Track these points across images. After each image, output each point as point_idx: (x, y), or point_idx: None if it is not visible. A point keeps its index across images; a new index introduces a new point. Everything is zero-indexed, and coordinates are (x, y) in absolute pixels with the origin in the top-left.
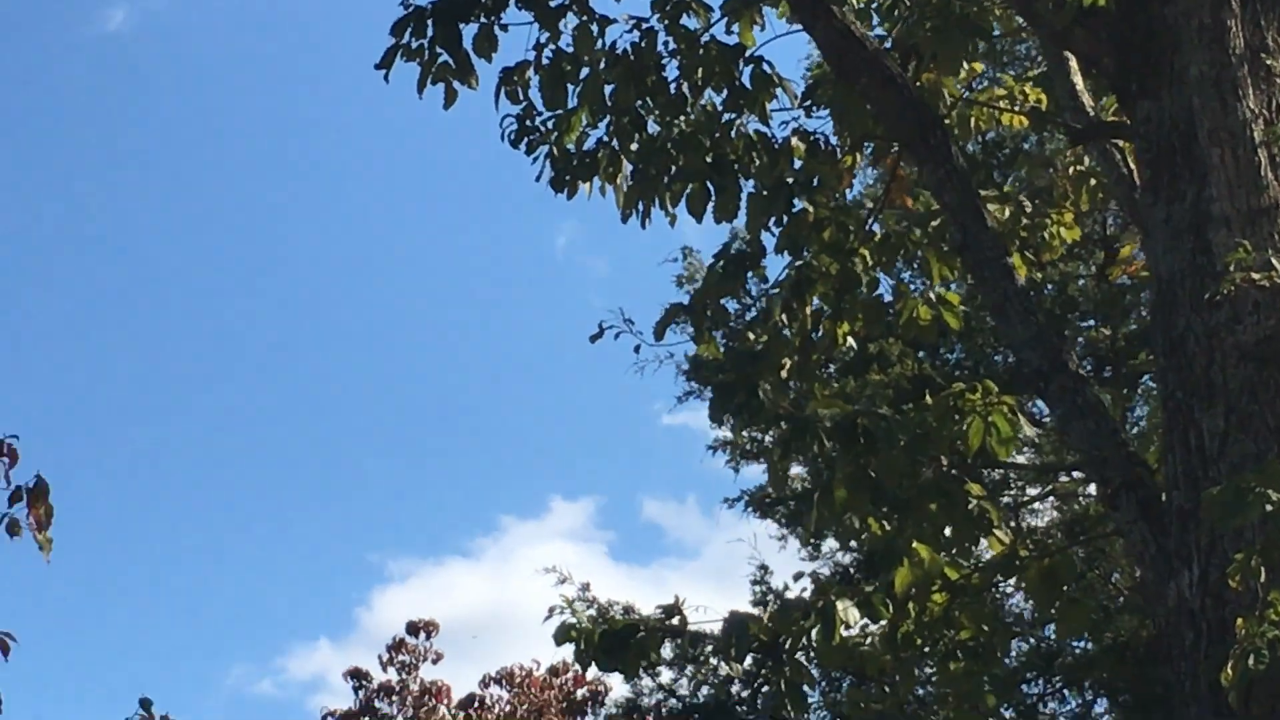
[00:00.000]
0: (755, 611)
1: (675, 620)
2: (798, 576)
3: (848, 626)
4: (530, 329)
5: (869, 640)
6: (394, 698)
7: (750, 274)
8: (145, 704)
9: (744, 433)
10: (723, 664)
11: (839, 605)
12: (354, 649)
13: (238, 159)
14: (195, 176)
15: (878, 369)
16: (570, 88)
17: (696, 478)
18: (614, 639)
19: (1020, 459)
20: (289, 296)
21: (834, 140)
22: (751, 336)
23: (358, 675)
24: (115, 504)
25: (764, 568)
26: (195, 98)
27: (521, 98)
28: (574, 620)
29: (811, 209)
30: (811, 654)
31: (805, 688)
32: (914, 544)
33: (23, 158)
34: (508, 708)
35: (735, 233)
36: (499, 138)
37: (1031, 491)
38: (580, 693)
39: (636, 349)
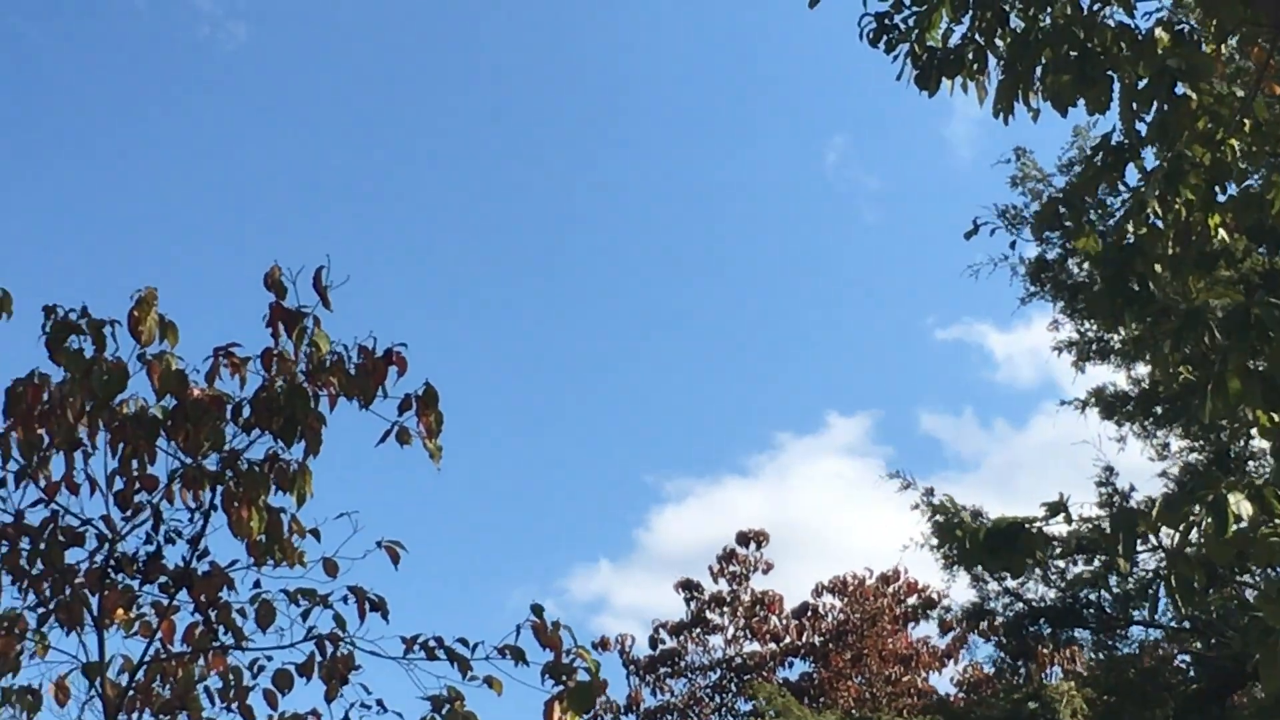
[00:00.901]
0: (1102, 513)
1: (1060, 518)
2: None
3: (1238, 520)
4: (803, 245)
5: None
6: (725, 608)
7: (1130, 165)
8: (537, 609)
9: (1093, 331)
10: (1070, 566)
11: (1231, 498)
12: (634, 570)
13: (534, 82)
14: (492, 101)
15: (1224, 264)
16: None
17: (972, 390)
18: (1000, 537)
19: None
20: (566, 217)
21: (1198, 30)
22: (1130, 229)
23: (689, 586)
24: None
25: (1109, 469)
26: (461, 29)
27: None
28: (954, 517)
29: (1195, 96)
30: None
31: (1194, 583)
32: None
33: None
34: (840, 615)
35: (1078, 131)
36: (858, 38)
37: None
38: (911, 600)
39: (1012, 245)
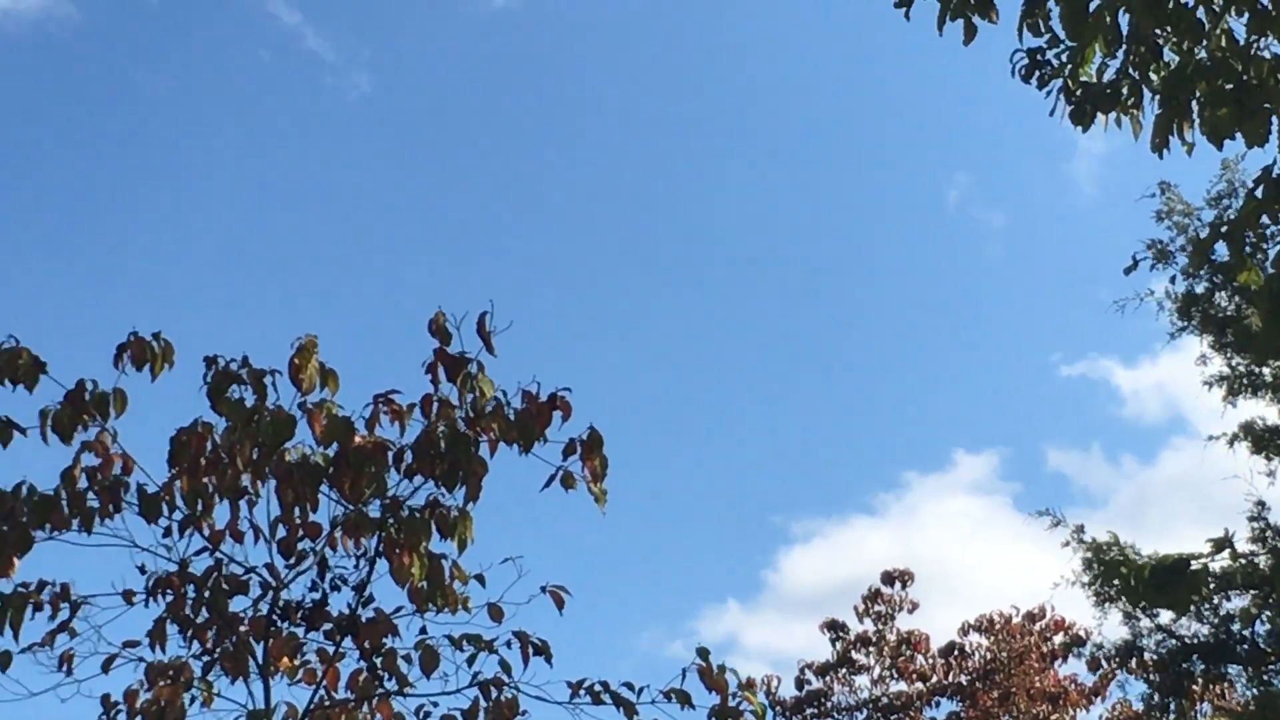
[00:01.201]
0: (1256, 548)
1: (1225, 554)
2: None
3: None
4: (927, 282)
5: None
6: (871, 648)
7: None
8: (703, 653)
9: (1244, 365)
10: (1222, 602)
11: None
12: (763, 610)
13: (642, 115)
14: (607, 145)
15: None
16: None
17: (1099, 426)
18: (1165, 573)
19: None
20: (689, 253)
21: None
22: None
23: (834, 627)
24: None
25: (1261, 504)
26: (589, 73)
27: (1043, 30)
28: (1116, 554)
29: None
30: None
31: None
32: None
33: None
34: (987, 654)
35: (1227, 165)
36: (1009, 74)
37: None
38: (1058, 638)
39: (1172, 280)
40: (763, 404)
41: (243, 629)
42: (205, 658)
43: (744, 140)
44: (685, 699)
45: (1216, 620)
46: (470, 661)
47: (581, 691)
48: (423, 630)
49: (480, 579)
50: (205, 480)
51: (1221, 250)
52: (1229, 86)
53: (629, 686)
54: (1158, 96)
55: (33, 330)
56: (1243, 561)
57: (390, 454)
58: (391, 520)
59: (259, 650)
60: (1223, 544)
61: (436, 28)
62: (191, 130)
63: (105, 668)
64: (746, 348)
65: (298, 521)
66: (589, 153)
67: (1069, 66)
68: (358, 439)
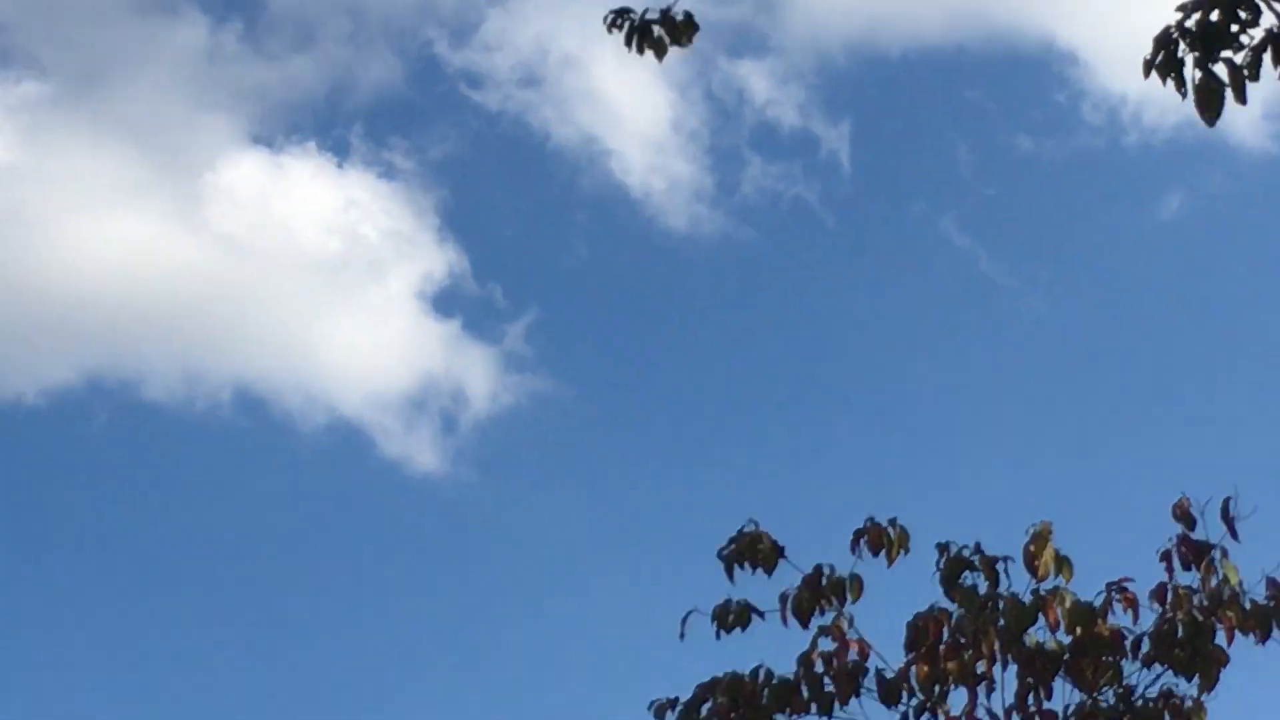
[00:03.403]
0: None
1: None
2: None
3: None
4: None
5: None
6: None
7: None
8: None
9: None
10: None
11: None
12: None
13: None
14: None
15: None
16: None
17: None
18: None
19: None
20: None
21: None
22: None
23: None
24: None
25: None
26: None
27: None
28: None
29: None
30: None
31: None
32: None
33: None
34: None
35: None
36: None
37: None
38: None
39: None
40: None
41: None
42: None
43: None
44: None
45: None
46: None
47: None
48: None
49: None
50: (943, 666)
51: None
52: None
53: None
54: None
55: (771, 515)
56: None
57: (1128, 642)
58: (1124, 710)
59: None
60: None
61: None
62: (881, 333)
63: None
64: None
65: (1032, 709)
66: None
67: None
68: (1100, 627)
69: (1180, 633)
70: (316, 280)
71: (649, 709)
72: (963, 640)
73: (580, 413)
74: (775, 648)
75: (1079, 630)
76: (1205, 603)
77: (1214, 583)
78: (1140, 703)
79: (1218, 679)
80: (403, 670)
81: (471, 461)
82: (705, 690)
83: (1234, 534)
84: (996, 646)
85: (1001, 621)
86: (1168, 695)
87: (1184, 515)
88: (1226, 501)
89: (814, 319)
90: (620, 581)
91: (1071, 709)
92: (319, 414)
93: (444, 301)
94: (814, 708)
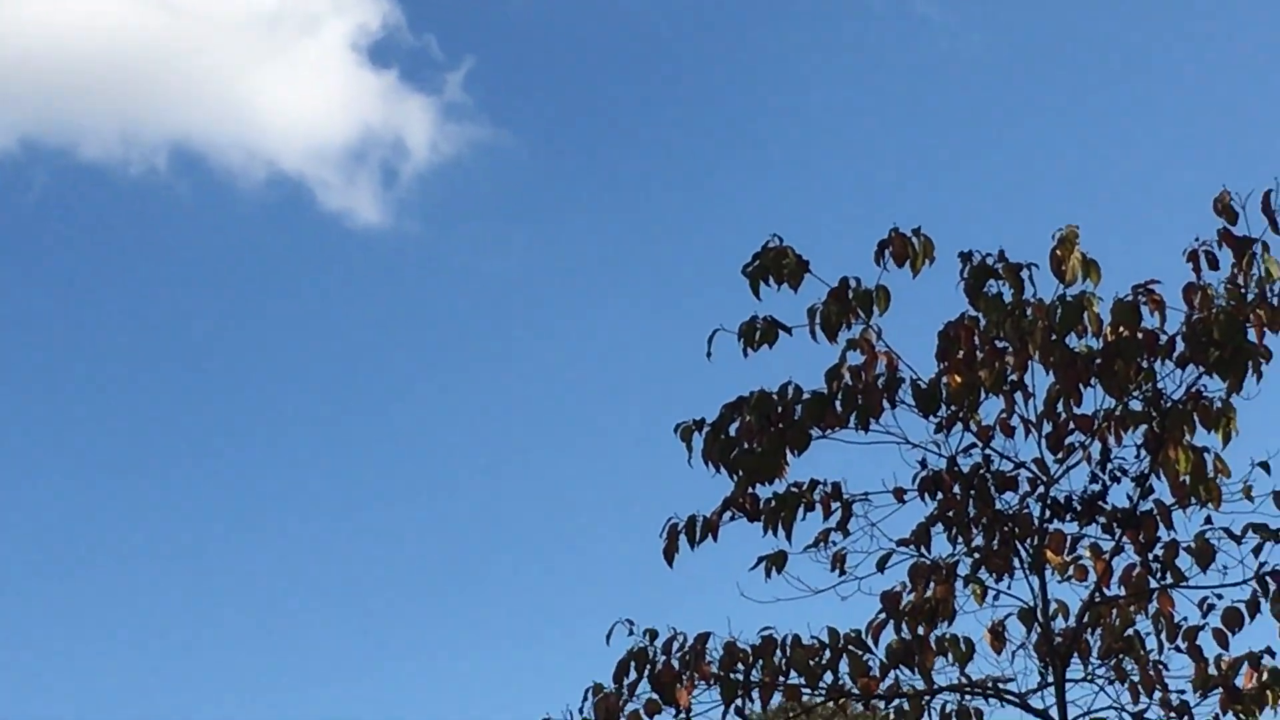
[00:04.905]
0: None
1: None
2: None
3: None
4: None
5: None
6: None
7: None
8: None
9: None
10: None
11: None
12: None
13: None
14: None
15: None
16: None
17: None
18: None
19: None
20: None
21: None
22: None
23: None
24: None
25: None
26: None
27: None
28: None
29: None
30: None
31: None
32: None
33: None
34: None
35: None
36: None
37: None
38: None
39: None
40: None
41: (1006, 526)
42: (973, 556)
43: None
44: None
45: None
46: (1256, 552)
47: None
48: (1208, 521)
49: (1265, 466)
50: (976, 374)
51: None
52: None
53: None
54: None
55: (794, 230)
56: None
57: (1161, 342)
58: (1155, 413)
59: (1023, 548)
60: None
61: None
62: None
63: (880, 566)
64: None
65: (1061, 416)
66: None
67: None
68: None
69: (1215, 333)
70: (251, 35)
71: (675, 431)
72: (1002, 345)
73: (525, 159)
74: (798, 364)
75: (1122, 330)
76: (1232, 304)
77: (1255, 277)
78: (1169, 405)
79: (1247, 376)
80: (368, 420)
81: (415, 213)
82: (732, 410)
83: (1275, 227)
84: (1035, 353)
85: (1041, 324)
86: (1197, 396)
87: (1225, 209)
88: (1267, 195)
89: (767, 62)
90: (599, 316)
91: (1101, 414)
92: (258, 169)
93: (380, 52)
94: (851, 421)
